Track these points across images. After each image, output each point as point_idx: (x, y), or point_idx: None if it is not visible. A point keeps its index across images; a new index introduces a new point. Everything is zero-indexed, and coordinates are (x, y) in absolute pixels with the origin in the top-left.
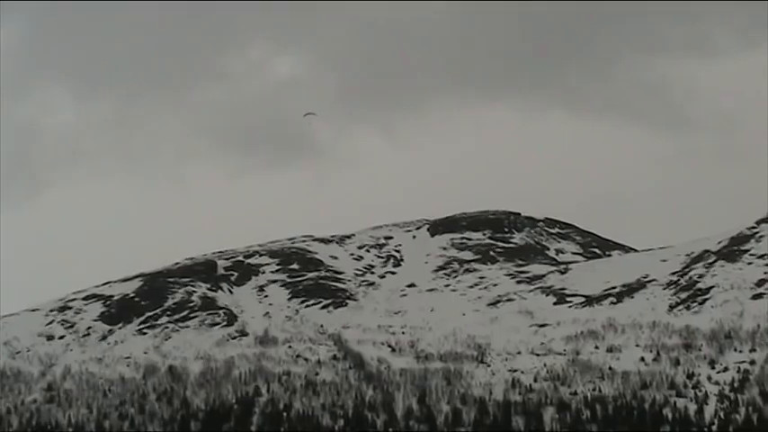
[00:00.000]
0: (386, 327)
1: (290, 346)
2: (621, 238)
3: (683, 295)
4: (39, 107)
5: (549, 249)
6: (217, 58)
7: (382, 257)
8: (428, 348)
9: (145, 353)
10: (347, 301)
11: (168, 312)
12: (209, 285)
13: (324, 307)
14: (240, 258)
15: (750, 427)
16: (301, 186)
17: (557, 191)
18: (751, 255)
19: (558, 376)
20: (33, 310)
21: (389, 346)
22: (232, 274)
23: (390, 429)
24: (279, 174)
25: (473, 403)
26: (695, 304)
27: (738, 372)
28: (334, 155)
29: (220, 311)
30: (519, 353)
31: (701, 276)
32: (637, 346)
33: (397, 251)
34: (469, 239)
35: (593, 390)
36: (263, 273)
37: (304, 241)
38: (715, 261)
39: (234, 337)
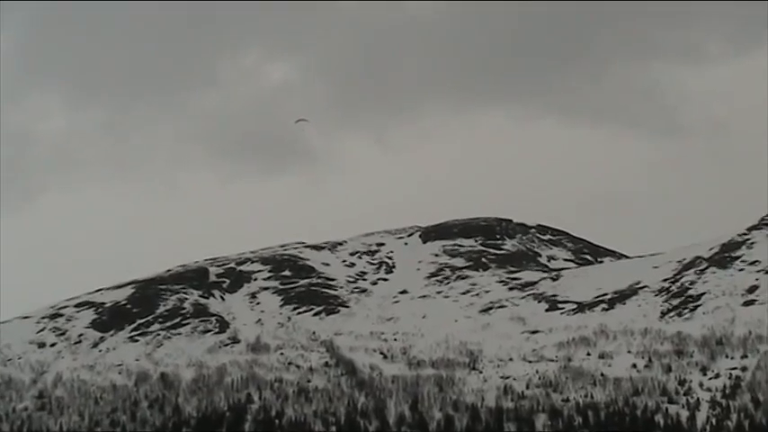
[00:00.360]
0: (378, 333)
1: (282, 353)
2: (613, 244)
3: (675, 302)
4: (31, 113)
5: (540, 256)
6: (209, 65)
7: (374, 264)
8: (420, 355)
9: (137, 360)
10: (339, 307)
11: (160, 319)
12: (200, 292)
13: (316, 314)
14: (232, 265)
15: None
16: (293, 193)
17: (549, 197)
18: (742, 261)
19: (550, 383)
20: (25, 318)
21: (381, 352)
22: (224, 281)
23: None
24: (271, 180)
25: (465, 410)
26: (687, 311)
27: (730, 378)
28: (326, 161)
29: (212, 318)
30: (511, 359)
31: (692, 283)
32: (629, 352)
33: (389, 258)
34: (461, 246)
35: (585, 396)
36: (255, 280)
37: (296, 248)
38: (706, 268)
39: (226, 344)
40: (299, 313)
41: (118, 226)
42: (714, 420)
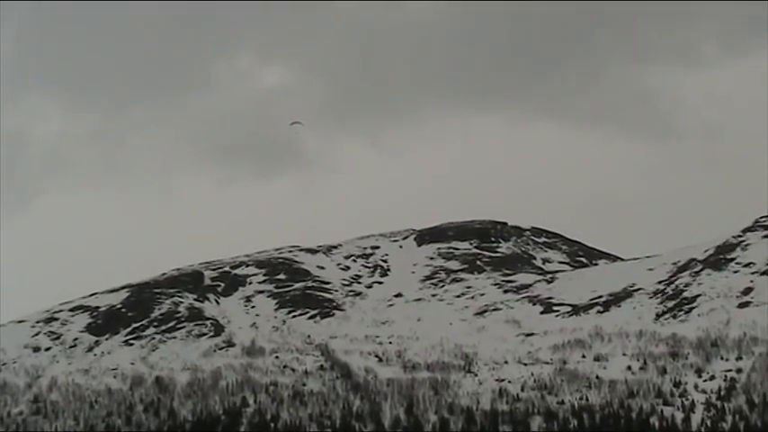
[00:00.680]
0: (373, 337)
1: (277, 357)
2: (608, 247)
3: (670, 304)
4: (27, 116)
5: (535, 258)
6: (204, 68)
7: (369, 267)
8: (415, 358)
9: (132, 364)
10: (334, 311)
11: (155, 323)
12: (195, 296)
13: (311, 317)
14: (227, 269)
15: None
16: (288, 196)
17: (544, 200)
18: (737, 263)
19: (545, 385)
20: (20, 322)
21: (376, 356)
22: (219, 285)
23: None
24: (266, 183)
25: (460, 413)
26: (682, 313)
27: (725, 380)
28: (321, 164)
29: (207, 322)
30: (506, 362)
31: (687, 285)
32: (624, 354)
33: (384, 261)
34: (456, 249)
35: (581, 399)
36: (250, 283)
37: (291, 251)
38: (701, 270)
39: (221, 348)
40: (294, 317)
41: (113, 229)
42: (709, 422)
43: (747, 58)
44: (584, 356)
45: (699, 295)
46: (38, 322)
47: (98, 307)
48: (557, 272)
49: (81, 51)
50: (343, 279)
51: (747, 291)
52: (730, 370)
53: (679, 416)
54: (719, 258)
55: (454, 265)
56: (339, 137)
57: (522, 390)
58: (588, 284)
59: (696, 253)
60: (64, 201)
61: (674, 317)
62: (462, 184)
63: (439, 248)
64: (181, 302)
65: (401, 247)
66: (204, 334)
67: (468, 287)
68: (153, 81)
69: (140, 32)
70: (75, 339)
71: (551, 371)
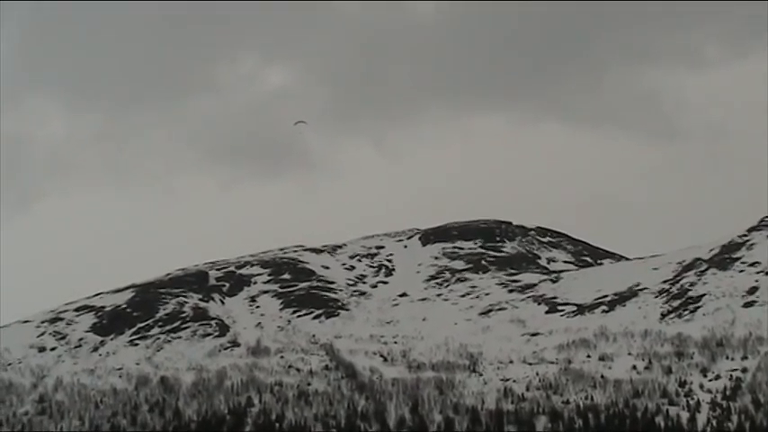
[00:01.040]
0: (378, 336)
1: (282, 357)
2: (613, 246)
3: (675, 303)
4: (29, 119)
5: (540, 258)
6: (208, 70)
7: (374, 267)
8: (420, 358)
9: (137, 364)
10: (339, 310)
11: (160, 323)
12: (200, 296)
13: (316, 317)
14: (232, 269)
15: None
16: (292, 196)
17: (548, 200)
18: (742, 263)
19: (550, 385)
20: (25, 322)
21: (381, 355)
22: (224, 285)
23: None
24: (270, 184)
25: (465, 412)
26: (687, 312)
27: (730, 379)
28: (325, 165)
29: (212, 322)
30: (511, 362)
31: (692, 284)
32: (629, 354)
33: (389, 261)
34: (461, 249)
35: (586, 398)
36: (255, 283)
37: (295, 251)
38: (706, 269)
39: (226, 348)
40: (299, 316)
41: (117, 230)
42: (715, 422)
43: (750, 58)
44: (589, 356)
45: (704, 295)
46: (43, 322)
47: (103, 307)
48: (561, 271)
49: (83, 53)
50: (348, 279)
51: (753, 290)
52: (736, 369)
53: (684, 415)
54: (725, 258)
55: (459, 264)
56: (342, 138)
57: (527, 389)
58: (593, 284)
59: (701, 252)
60: (67, 202)
61: (680, 316)
62: (467, 184)
63: (444, 248)
64: (186, 302)
65: (406, 246)
66: (209, 334)
67: (473, 287)
68: (156, 82)
69: (143, 34)
70: (81, 339)
71: (556, 370)
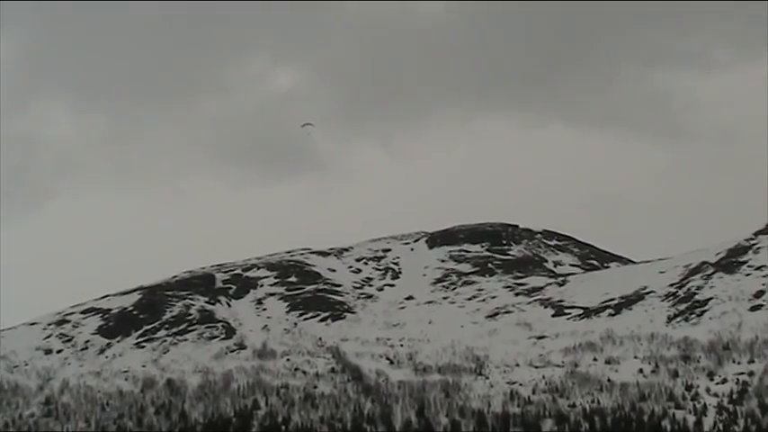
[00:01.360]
0: (384, 339)
1: (288, 359)
2: (619, 249)
3: (682, 307)
4: (38, 120)
5: (547, 261)
6: (216, 71)
7: (380, 270)
8: (426, 361)
9: (143, 366)
10: (345, 313)
11: (166, 326)
12: (207, 298)
13: (322, 320)
14: (238, 271)
15: None
16: (300, 199)
17: (555, 202)
18: (749, 266)
19: (556, 388)
20: (31, 324)
21: (388, 358)
22: (230, 287)
23: None
24: (278, 186)
25: (471, 416)
26: (693, 316)
27: (737, 383)
28: (332, 167)
29: (219, 324)
30: (517, 365)
31: (699, 288)
32: (635, 357)
33: (396, 264)
34: (468, 252)
35: (592, 402)
36: (262, 286)
37: (302, 254)
38: (713, 273)
39: (232, 350)
40: (306, 319)
41: (124, 232)
42: (721, 426)
43: (760, 60)
44: (595, 359)
45: (711, 298)
46: (49, 324)
47: (110, 309)
48: (568, 275)
49: (91, 54)
50: (355, 281)
51: (759, 294)
52: (742, 373)
53: (691, 419)
54: (731, 261)
55: (465, 267)
56: (350, 139)
57: (534, 393)
58: (600, 287)
59: (708, 256)
60: (75, 203)
61: (686, 320)
62: (474, 187)
63: (450, 251)
64: (192, 305)
65: (412, 249)
66: (215, 336)
67: (480, 290)
68: (164, 83)
69: (151, 35)
70: (87, 342)
71: (563, 374)
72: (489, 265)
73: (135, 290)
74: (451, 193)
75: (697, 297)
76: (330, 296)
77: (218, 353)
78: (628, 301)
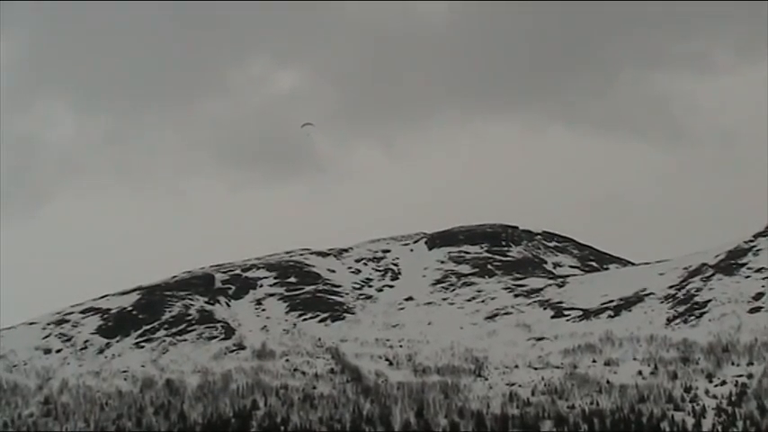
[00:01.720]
0: (383, 340)
1: (287, 360)
2: (619, 251)
3: (681, 309)
4: (38, 121)
5: (546, 263)
6: (217, 72)
7: (380, 271)
8: (426, 362)
9: (142, 366)
10: (345, 314)
11: (166, 326)
12: (206, 299)
13: (321, 320)
14: (238, 272)
15: None
16: (300, 200)
17: (555, 204)
18: (748, 268)
19: (555, 390)
20: (31, 324)
21: (387, 359)
22: (230, 288)
23: None
24: (278, 187)
25: (470, 417)
26: (693, 318)
27: (736, 385)
28: (333, 168)
29: (218, 325)
30: (516, 366)
31: (698, 290)
32: (634, 359)
33: (395, 264)
34: (467, 253)
35: (591, 403)
36: (261, 286)
37: (302, 255)
38: (713, 275)
39: (231, 351)
40: (305, 320)
41: (124, 232)
42: (720, 428)
43: (760, 63)
44: (594, 361)
45: (710, 300)
46: (49, 324)
47: (109, 309)
48: (567, 276)
49: (93, 54)
50: (354, 282)
51: (759, 296)
52: (741, 375)
53: (690, 421)
54: (731, 263)
55: (465, 268)
56: (351, 141)
57: (533, 394)
58: (599, 289)
59: (707, 258)
60: (76, 204)
61: (685, 322)
62: (474, 188)
63: (450, 252)
64: (192, 305)
65: (412, 250)
66: (215, 337)
67: (479, 291)
68: (166, 85)
69: (153, 36)
70: (86, 341)
71: (562, 375)
72: (489, 266)
73: (134, 290)
74: (451, 195)
75: (696, 299)
76: (329, 297)
77: (218, 353)
78: (627, 303)
